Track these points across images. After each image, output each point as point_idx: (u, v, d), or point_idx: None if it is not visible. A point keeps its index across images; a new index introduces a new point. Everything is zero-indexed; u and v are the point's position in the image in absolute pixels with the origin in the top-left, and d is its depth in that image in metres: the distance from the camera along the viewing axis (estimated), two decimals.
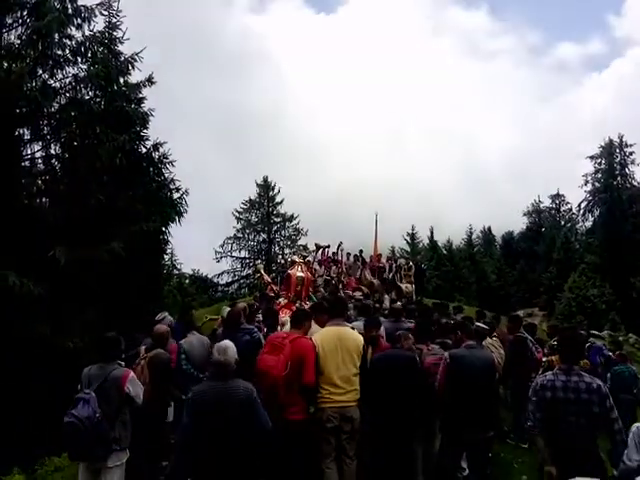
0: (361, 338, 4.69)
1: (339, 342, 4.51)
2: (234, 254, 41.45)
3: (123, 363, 4.50)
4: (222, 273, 41.38)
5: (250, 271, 41.42)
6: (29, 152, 9.49)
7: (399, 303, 9.66)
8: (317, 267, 15.56)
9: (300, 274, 10.76)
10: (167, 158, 11.84)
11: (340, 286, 14.07)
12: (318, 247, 16.56)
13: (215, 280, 42.14)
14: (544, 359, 6.77)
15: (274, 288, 13.48)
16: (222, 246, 41.18)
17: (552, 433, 3.46)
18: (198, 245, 56.22)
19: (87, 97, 9.78)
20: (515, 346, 7.24)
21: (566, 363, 3.61)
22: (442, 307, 10.14)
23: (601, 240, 37.09)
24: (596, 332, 20.14)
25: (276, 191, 42.28)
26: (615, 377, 7.76)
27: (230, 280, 42.02)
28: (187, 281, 39.57)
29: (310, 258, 14.99)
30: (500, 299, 41.73)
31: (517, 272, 46.86)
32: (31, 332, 8.16)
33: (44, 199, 9.41)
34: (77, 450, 3.83)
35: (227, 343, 3.73)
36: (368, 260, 16.81)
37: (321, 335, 4.65)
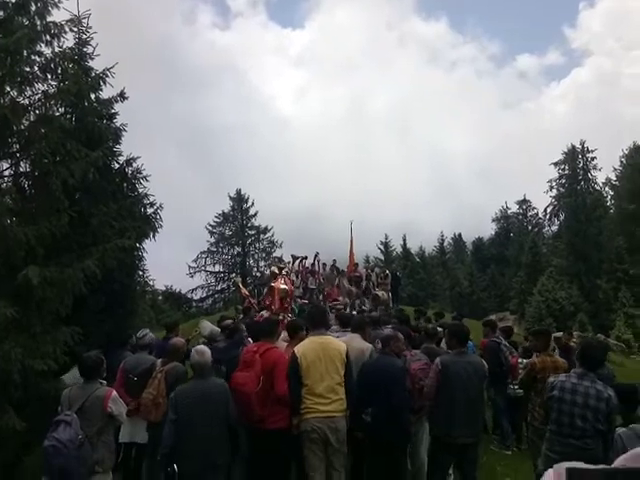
0: (344, 346, 4.70)
1: (322, 352, 4.51)
2: (208, 268, 41.11)
3: (105, 382, 4.45)
4: (196, 288, 40.97)
5: (225, 285, 41.07)
6: None
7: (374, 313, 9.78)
8: (294, 278, 15.58)
9: (284, 286, 10.84)
10: (141, 173, 11.63)
11: (320, 297, 14.15)
12: (295, 258, 16.65)
13: (189, 296, 41.67)
14: (524, 361, 6.92)
15: (252, 301, 13.49)
16: (196, 261, 40.82)
17: (558, 432, 3.56)
18: (170, 261, 55.29)
19: (57, 114, 9.58)
20: (489, 351, 7.44)
21: (583, 368, 3.68)
22: (421, 313, 10.38)
23: (567, 243, 38.34)
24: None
25: (250, 204, 42.28)
26: None
27: (204, 295, 41.62)
28: (160, 298, 38.87)
29: (287, 269, 15.03)
30: (473, 305, 42.57)
31: (488, 277, 47.96)
32: (4, 357, 7.87)
33: (14, 218, 9.12)
34: (59, 474, 3.75)
35: (203, 347, 4.53)
36: (344, 269, 16.93)
37: (303, 346, 4.63)
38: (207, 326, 6.80)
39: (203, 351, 4.34)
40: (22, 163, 9.36)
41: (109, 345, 8.52)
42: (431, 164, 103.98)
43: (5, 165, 9.16)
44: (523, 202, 52.97)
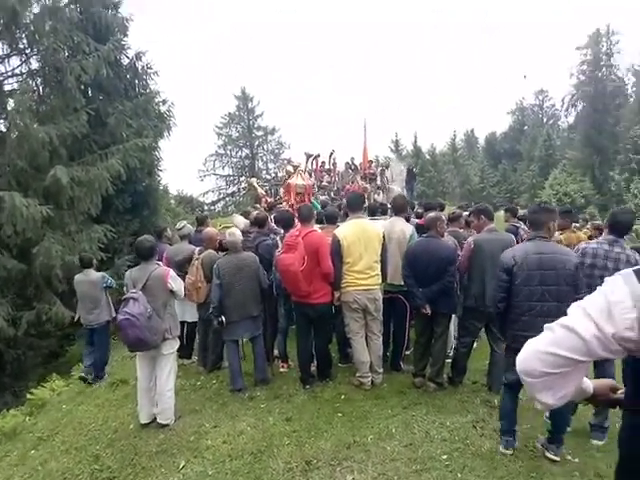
0: (381, 228, 4.96)
1: (361, 233, 4.80)
2: (217, 171, 41.02)
3: (161, 263, 4.76)
4: (207, 192, 41.21)
5: (235, 188, 41.28)
6: (9, 68, 8.97)
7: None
8: (308, 177, 15.58)
9: (301, 182, 10.88)
10: (151, 68, 11.33)
11: (339, 194, 14.30)
12: (308, 156, 16.48)
13: (200, 199, 41.92)
14: None
15: (268, 200, 13.65)
16: (204, 164, 40.62)
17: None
18: (178, 164, 55.04)
19: (61, 4, 9.07)
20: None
21: (613, 235, 3.82)
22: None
23: (583, 135, 37.35)
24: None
25: (255, 103, 40.95)
26: None
27: (216, 199, 41.93)
28: (172, 202, 39.20)
29: (301, 168, 15.01)
30: (483, 201, 42.52)
31: (499, 173, 47.53)
32: (46, 253, 8.30)
33: (34, 119, 9.06)
34: (135, 343, 4.16)
35: (233, 229, 5.35)
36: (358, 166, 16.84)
37: (344, 228, 4.95)
38: (240, 220, 7.04)
39: (233, 232, 5.19)
40: (33, 60, 9.11)
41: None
42: (444, 57, 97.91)
43: (17, 62, 8.93)
44: (540, 93, 50.80)
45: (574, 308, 1.22)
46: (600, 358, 1.17)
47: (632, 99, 39.35)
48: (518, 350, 3.58)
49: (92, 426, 4.90)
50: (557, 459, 3.42)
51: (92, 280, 6.31)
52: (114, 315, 6.54)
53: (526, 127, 50.66)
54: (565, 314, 1.21)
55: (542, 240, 3.49)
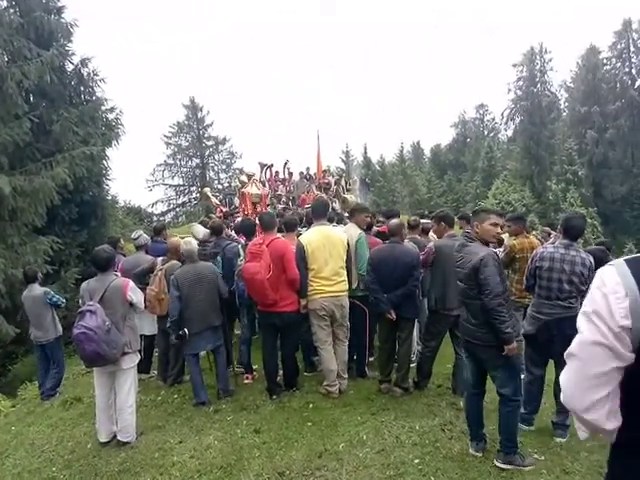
0: (345, 235, 4.98)
1: (325, 239, 4.78)
2: (167, 181, 40.02)
3: (119, 274, 4.55)
4: (156, 202, 40.03)
5: (186, 198, 40.43)
6: None
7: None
8: (262, 186, 15.51)
9: (256, 191, 10.80)
10: (97, 75, 10.91)
11: (293, 204, 14.28)
12: (262, 166, 16.42)
13: (149, 210, 40.65)
14: (500, 249, 7.44)
15: (223, 210, 13.45)
16: (153, 174, 39.53)
17: (547, 297, 3.94)
18: (125, 174, 53.26)
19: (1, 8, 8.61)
20: None
21: (568, 239, 3.97)
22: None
23: (521, 147, 39.43)
24: None
25: (205, 112, 40.37)
26: None
27: (165, 209, 40.83)
28: (119, 213, 37.81)
29: (256, 177, 14.92)
30: (431, 210, 43.82)
31: (445, 183, 49.23)
32: None
33: None
34: (92, 357, 3.93)
35: (189, 238, 5.31)
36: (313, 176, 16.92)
37: (308, 235, 4.92)
38: (200, 230, 6.87)
39: (189, 241, 5.13)
40: None
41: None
42: (392, 70, 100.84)
43: None
44: (480, 107, 53.29)
45: (579, 321, 1.20)
46: (629, 360, 1.13)
47: (565, 113, 42.15)
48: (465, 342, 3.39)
49: (46, 447, 4.58)
50: (505, 467, 3.37)
51: (35, 296, 5.96)
52: (60, 333, 6.22)
53: (469, 140, 52.96)
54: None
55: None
